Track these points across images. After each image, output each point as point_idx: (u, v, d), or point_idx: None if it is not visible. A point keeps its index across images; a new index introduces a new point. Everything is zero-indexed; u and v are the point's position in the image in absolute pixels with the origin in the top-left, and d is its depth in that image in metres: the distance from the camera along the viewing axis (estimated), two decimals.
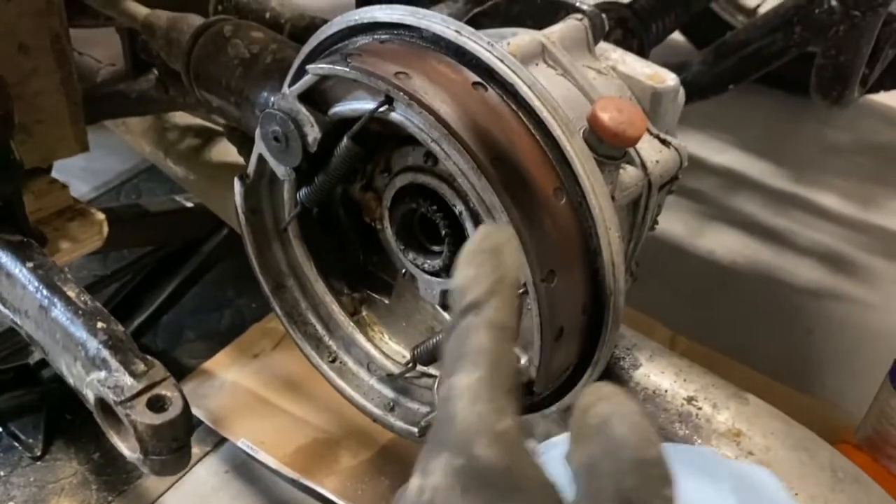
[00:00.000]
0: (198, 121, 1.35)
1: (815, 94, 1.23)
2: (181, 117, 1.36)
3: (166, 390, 0.58)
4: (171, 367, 1.51)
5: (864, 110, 2.27)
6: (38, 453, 1.34)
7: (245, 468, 1.37)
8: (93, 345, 0.61)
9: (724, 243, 1.84)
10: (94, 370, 0.59)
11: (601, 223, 0.62)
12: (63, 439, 1.38)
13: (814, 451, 0.86)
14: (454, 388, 0.39)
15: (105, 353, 0.60)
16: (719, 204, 1.96)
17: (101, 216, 1.17)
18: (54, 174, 1.18)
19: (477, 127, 0.59)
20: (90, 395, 0.60)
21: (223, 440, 1.40)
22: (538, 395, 0.74)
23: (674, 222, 1.89)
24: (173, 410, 0.57)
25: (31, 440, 1.35)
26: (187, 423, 0.58)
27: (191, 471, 1.37)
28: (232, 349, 1.54)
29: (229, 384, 1.47)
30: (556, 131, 0.61)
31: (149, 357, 0.61)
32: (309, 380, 1.44)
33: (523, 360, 0.67)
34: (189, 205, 1.49)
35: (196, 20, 0.93)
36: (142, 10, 0.99)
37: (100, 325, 0.62)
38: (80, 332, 0.62)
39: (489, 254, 0.43)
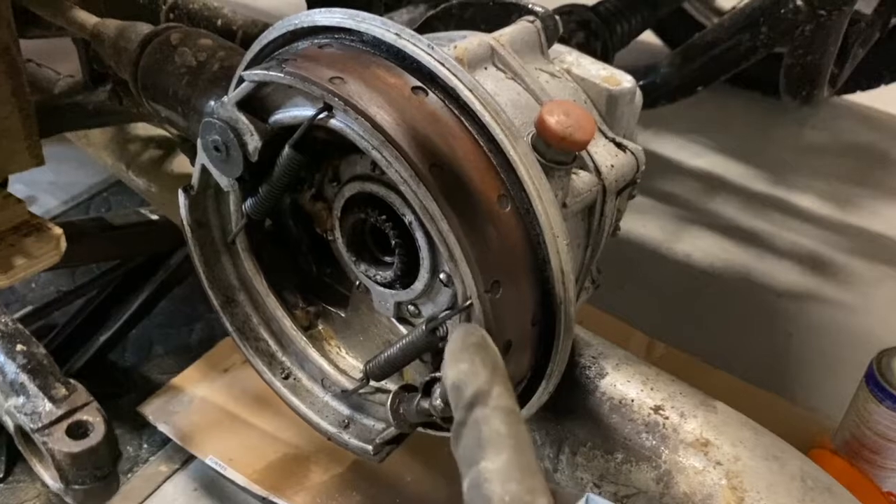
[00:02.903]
0: (159, 132, 1.32)
1: (784, 93, 1.22)
2: (143, 129, 1.34)
3: (88, 415, 0.55)
4: (140, 382, 1.50)
5: (841, 111, 2.27)
6: (1, 475, 1.31)
7: (214, 486, 1.34)
8: (11, 369, 0.58)
9: (701, 247, 1.83)
10: (12, 395, 0.56)
11: (548, 231, 0.60)
12: (26, 461, 1.35)
13: (784, 460, 0.84)
14: (483, 472, 0.40)
15: (23, 378, 0.57)
16: (696, 207, 1.94)
17: (58, 231, 1.14)
18: (21, 188, 1.15)
19: (415, 133, 0.57)
20: (9, 423, 0.57)
21: (192, 457, 1.37)
22: None
23: (651, 227, 1.87)
24: (94, 437, 0.54)
25: None
26: (111, 450, 0.55)
27: (158, 489, 1.34)
28: (202, 364, 1.51)
29: (198, 400, 1.44)
30: (499, 136, 0.59)
31: (72, 381, 0.58)
32: None
33: None
34: (154, 217, 1.46)
35: (144, 28, 0.90)
36: (91, 20, 0.97)
37: (19, 347, 0.59)
38: None
39: (476, 347, 0.46)
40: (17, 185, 1.16)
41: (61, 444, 0.53)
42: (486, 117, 0.59)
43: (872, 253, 1.83)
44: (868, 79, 2.05)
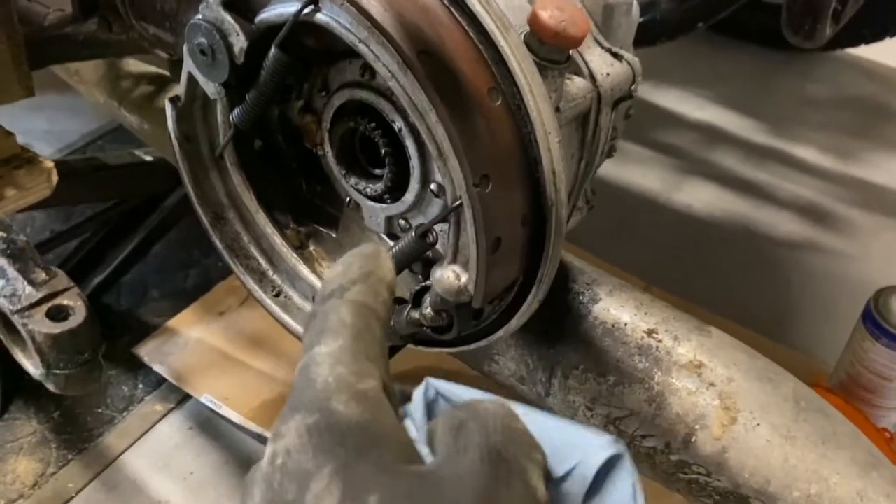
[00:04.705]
0: (151, 68, 1.31)
1: (787, 30, 1.19)
2: (135, 65, 1.32)
3: (69, 300, 0.54)
4: (135, 325, 1.50)
5: (842, 64, 2.24)
6: None
7: (209, 425, 1.35)
8: None
9: (701, 198, 1.82)
10: None
11: (540, 128, 0.59)
12: (22, 399, 1.35)
13: (777, 382, 0.84)
14: (314, 356, 0.38)
15: (3, 262, 0.56)
16: (697, 158, 1.93)
17: (49, 164, 1.13)
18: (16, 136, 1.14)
19: (402, 20, 0.56)
20: None
21: (187, 397, 1.37)
22: (484, 320, 0.71)
23: (651, 177, 1.86)
24: (75, 320, 0.53)
25: None
26: (92, 334, 0.54)
27: (153, 428, 1.34)
28: (197, 307, 1.51)
29: (194, 341, 1.44)
30: (490, 26, 0.57)
31: (53, 268, 0.58)
32: (275, 336, 1.40)
33: (463, 280, 0.64)
34: (149, 158, 1.45)
35: None
36: None
37: None
38: None
39: (361, 256, 0.43)
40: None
41: (41, 325, 0.52)
42: (476, 6, 0.57)
43: (871, 203, 1.82)
44: (873, 31, 2.02)
